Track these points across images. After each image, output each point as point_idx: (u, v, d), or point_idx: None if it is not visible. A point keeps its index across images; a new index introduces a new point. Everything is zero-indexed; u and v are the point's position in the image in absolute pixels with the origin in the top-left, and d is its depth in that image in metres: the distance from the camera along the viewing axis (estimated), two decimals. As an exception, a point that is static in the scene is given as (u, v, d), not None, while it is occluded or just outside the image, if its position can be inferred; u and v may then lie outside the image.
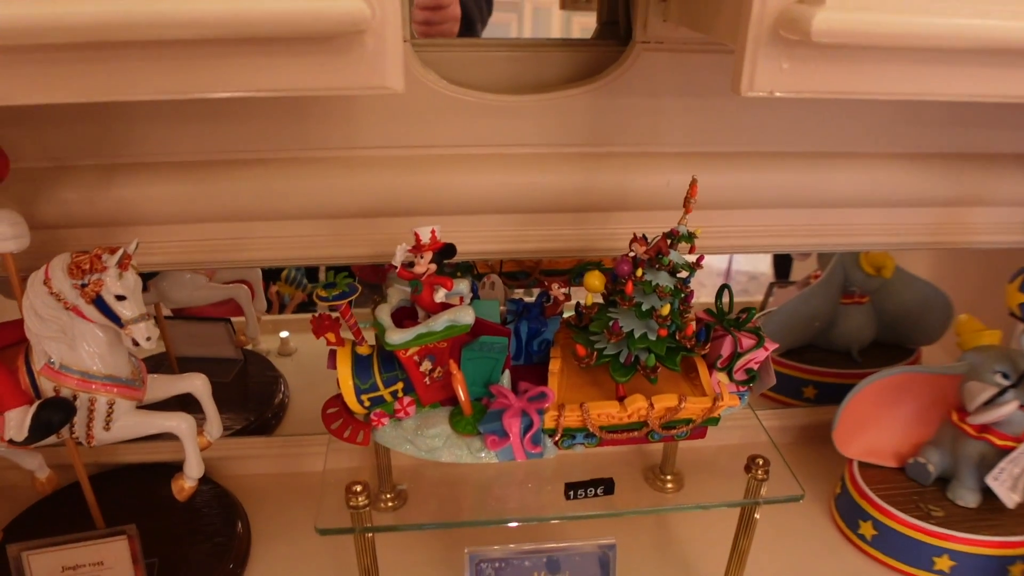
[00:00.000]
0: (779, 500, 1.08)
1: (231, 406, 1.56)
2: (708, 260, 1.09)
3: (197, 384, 1.21)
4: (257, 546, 1.37)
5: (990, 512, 1.35)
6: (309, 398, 1.70)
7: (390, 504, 1.44)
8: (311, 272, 2.06)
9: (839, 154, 1.37)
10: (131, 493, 1.40)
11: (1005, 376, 1.28)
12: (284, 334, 1.89)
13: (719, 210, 1.37)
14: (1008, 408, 1.24)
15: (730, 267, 2.64)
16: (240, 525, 1.37)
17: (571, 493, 1.06)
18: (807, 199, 1.39)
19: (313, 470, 1.52)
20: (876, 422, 1.44)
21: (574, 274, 1.40)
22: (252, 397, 1.69)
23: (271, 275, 1.96)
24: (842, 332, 1.78)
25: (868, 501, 1.37)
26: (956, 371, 1.35)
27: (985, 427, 1.31)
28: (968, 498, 1.36)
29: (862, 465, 1.44)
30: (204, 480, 1.37)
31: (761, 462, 1.07)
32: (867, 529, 1.37)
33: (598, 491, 1.06)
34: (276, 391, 1.71)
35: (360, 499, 1.01)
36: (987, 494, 1.35)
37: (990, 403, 1.27)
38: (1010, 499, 1.32)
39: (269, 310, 1.94)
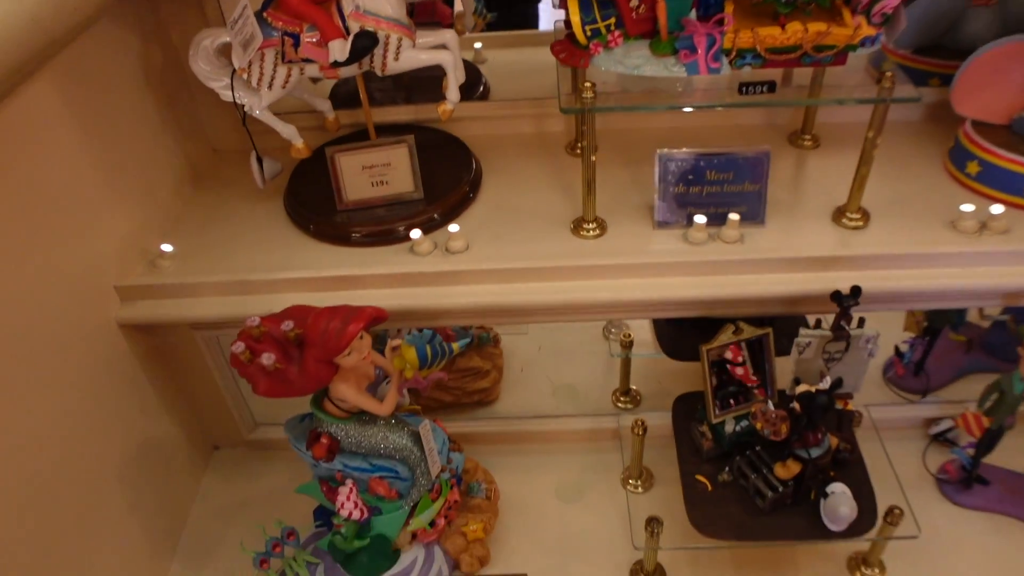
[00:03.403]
0: (900, 100, 1.41)
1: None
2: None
3: (447, 36, 1.61)
4: (487, 177, 1.81)
5: (1080, 152, 1.64)
6: (504, 88, 2.08)
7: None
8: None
9: None
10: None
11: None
12: (478, 45, 2.28)
13: None
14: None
15: None
16: (474, 163, 1.81)
17: (743, 89, 1.42)
18: None
19: (521, 131, 1.94)
20: (989, 85, 1.72)
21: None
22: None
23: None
24: (969, 33, 2.01)
25: (976, 145, 1.69)
26: (1065, 37, 1.61)
27: (1082, 75, 1.59)
28: (1063, 138, 1.65)
29: (974, 123, 1.75)
30: (448, 136, 1.82)
31: (889, 74, 1.40)
32: (973, 167, 1.70)
33: (764, 88, 1.42)
34: (479, 83, 2.11)
35: (589, 93, 1.40)
36: (1081, 139, 1.64)
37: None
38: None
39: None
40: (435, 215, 1.67)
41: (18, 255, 1.32)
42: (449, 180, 1.74)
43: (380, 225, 1.64)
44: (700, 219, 1.53)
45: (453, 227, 1.58)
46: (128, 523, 1.62)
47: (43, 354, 1.38)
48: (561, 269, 1.50)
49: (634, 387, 1.99)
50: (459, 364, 1.92)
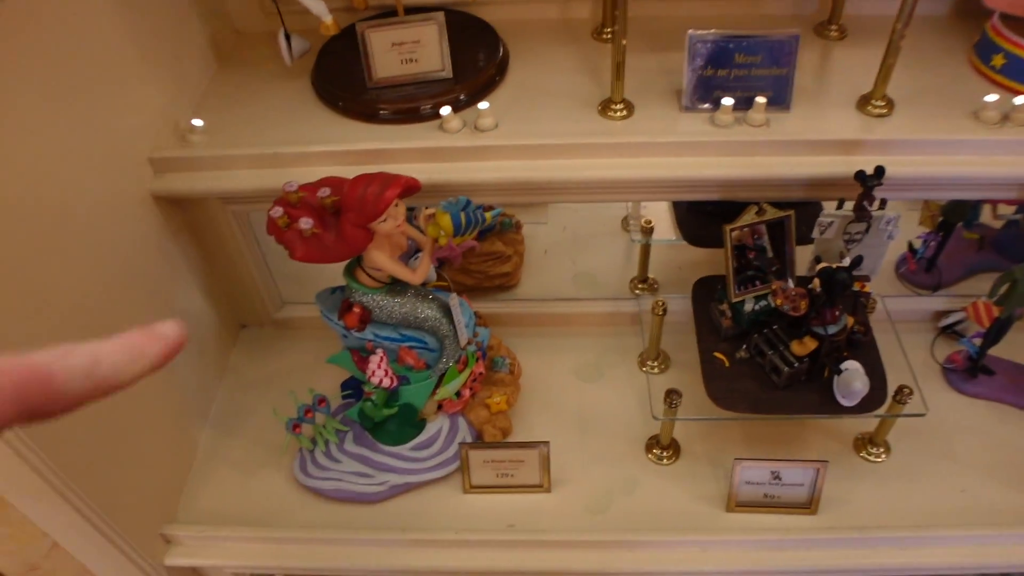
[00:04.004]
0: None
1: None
2: None
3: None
4: (513, 61, 1.81)
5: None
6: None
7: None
8: None
9: None
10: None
11: None
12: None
13: None
14: None
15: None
16: (501, 46, 1.81)
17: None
18: None
19: (546, 16, 1.93)
20: (1021, -24, 1.71)
21: None
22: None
23: None
24: (1002, -74, 1.99)
25: (1004, 38, 1.69)
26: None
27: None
28: (1091, 33, 1.65)
29: (1002, 16, 1.74)
30: (475, 19, 1.82)
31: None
32: (998, 60, 1.70)
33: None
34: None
35: (622, -33, 1.41)
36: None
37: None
38: None
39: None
40: (462, 95, 1.68)
41: (61, 124, 1.34)
42: (476, 61, 1.74)
43: (409, 103, 1.65)
44: (727, 101, 1.55)
45: (483, 105, 1.59)
46: (162, 392, 1.67)
47: (86, 221, 1.41)
48: (589, 146, 1.53)
49: (652, 276, 2.04)
50: (482, 248, 1.96)
